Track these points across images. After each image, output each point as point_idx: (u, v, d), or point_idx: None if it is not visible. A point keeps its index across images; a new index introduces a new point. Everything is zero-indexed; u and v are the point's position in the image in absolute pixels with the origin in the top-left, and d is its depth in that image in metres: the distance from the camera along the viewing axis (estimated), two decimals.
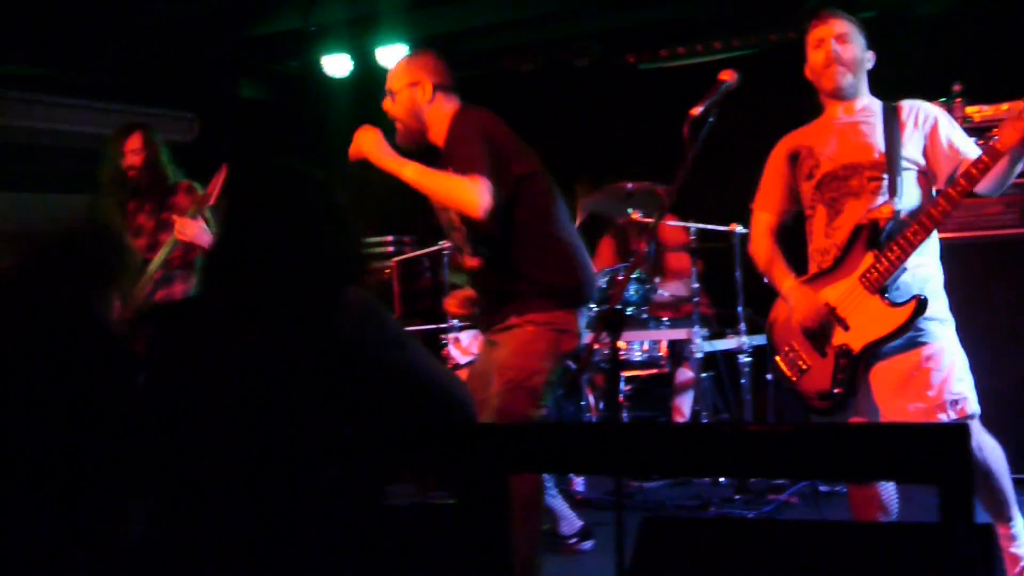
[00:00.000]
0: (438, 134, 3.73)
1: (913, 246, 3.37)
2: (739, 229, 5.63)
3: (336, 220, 2.27)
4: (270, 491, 2.05)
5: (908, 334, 3.37)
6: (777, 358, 3.67)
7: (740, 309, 5.64)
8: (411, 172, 3.55)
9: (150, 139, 4.85)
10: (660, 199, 5.41)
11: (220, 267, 2.23)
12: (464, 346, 5.73)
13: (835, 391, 3.46)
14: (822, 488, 5.28)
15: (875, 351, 3.39)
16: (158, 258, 4.65)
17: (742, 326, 5.62)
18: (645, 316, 5.63)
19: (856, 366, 3.42)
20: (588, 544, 4.50)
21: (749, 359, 5.59)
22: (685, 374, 5.82)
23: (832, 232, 3.56)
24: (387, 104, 3.79)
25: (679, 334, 5.61)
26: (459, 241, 3.80)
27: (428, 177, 3.55)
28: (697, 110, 3.20)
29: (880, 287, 3.38)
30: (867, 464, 2.10)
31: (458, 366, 5.59)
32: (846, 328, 3.45)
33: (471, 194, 3.46)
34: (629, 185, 5.75)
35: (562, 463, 3.04)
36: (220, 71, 7.64)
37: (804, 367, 3.56)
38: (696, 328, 5.57)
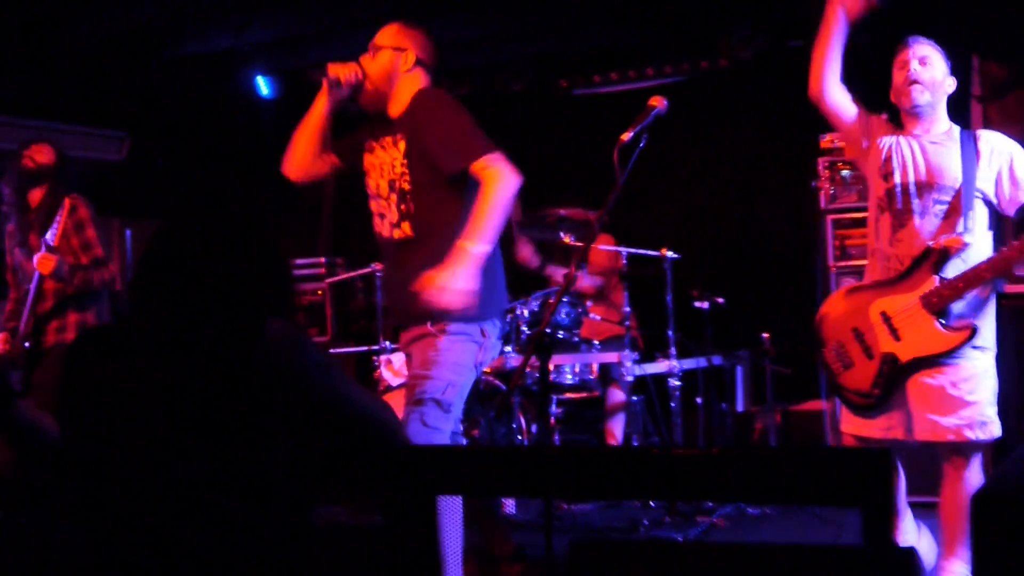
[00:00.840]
0: (399, 103, 3.69)
1: (980, 282, 3.55)
2: (669, 254, 5.68)
3: (261, 252, 2.25)
4: (197, 514, 2.03)
5: (955, 355, 3.57)
6: (824, 351, 3.87)
7: (670, 333, 5.67)
8: (483, 244, 3.37)
9: (60, 155, 4.84)
10: (591, 224, 5.43)
11: (143, 296, 2.21)
12: (396, 368, 5.71)
13: (874, 391, 3.67)
14: (750, 511, 5.33)
15: (920, 365, 3.59)
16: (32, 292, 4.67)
17: (672, 350, 5.65)
18: (576, 340, 5.65)
19: (898, 375, 3.62)
20: (518, 565, 4.49)
21: (679, 383, 5.62)
22: (617, 396, 5.85)
23: (896, 244, 3.71)
24: (365, 59, 3.72)
25: (610, 357, 5.63)
26: (384, 209, 3.68)
27: (492, 223, 3.40)
28: (627, 135, 3.22)
29: (938, 310, 3.55)
30: (793, 487, 2.12)
31: (389, 388, 5.56)
32: (897, 339, 3.63)
33: (506, 180, 3.43)
34: (562, 211, 5.79)
35: (493, 485, 3.04)
36: (151, 90, 7.56)
37: (849, 364, 3.76)
38: (627, 351, 5.60)
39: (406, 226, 3.59)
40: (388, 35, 3.74)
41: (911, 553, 2.06)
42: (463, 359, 3.52)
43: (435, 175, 3.53)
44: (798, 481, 2.04)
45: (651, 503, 5.46)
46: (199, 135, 8.01)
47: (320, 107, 3.79)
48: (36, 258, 4.61)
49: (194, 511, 2.03)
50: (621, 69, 7.09)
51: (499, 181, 3.42)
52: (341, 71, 3.71)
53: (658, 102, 3.29)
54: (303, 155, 3.87)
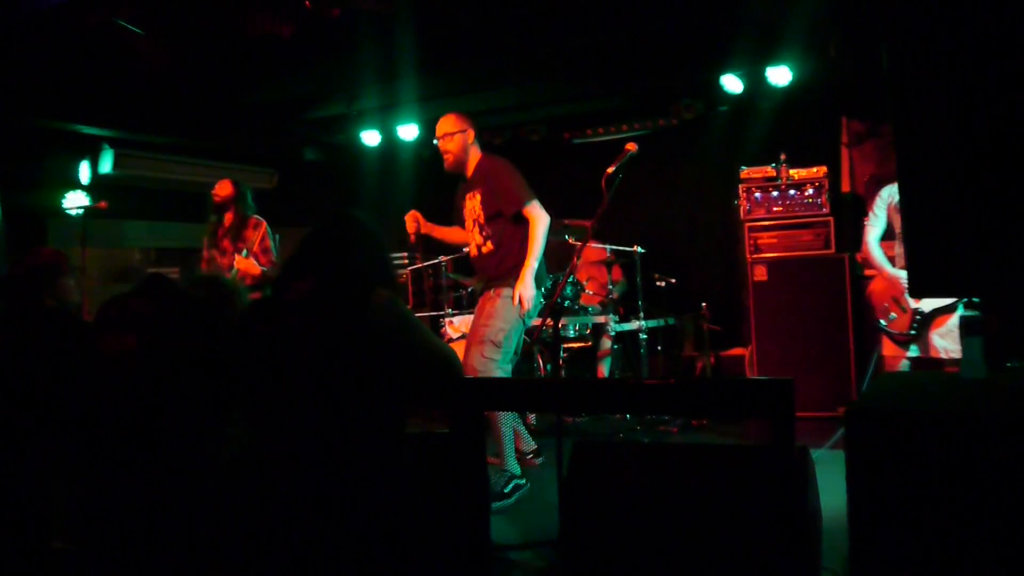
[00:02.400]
0: (470, 166, 3.93)
1: None
2: (639, 249, 5.65)
3: (371, 245, 2.26)
4: (333, 426, 2.02)
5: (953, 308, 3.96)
6: (876, 311, 4.22)
7: (640, 302, 5.65)
8: (535, 261, 3.74)
9: (237, 187, 4.80)
10: (587, 229, 5.40)
11: (293, 273, 2.21)
12: (456, 326, 5.69)
13: (911, 332, 4.07)
14: (694, 424, 5.31)
15: (935, 314, 4.00)
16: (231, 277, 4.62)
17: (641, 314, 5.62)
18: (577, 307, 5.63)
19: (924, 321, 4.03)
20: (539, 459, 4.49)
21: (645, 336, 5.59)
22: (604, 345, 5.83)
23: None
24: (443, 144, 3.91)
25: (600, 319, 5.61)
26: (471, 239, 3.96)
27: (539, 249, 3.76)
28: (611, 169, 3.20)
29: None
30: (725, 406, 2.11)
31: (451, 340, 5.56)
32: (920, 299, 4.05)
33: (542, 222, 3.78)
34: (566, 221, 5.78)
35: (521, 404, 3.04)
36: (292, 140, 7.56)
37: (892, 316, 4.13)
38: (611, 315, 5.58)
39: (489, 244, 3.87)
40: (452, 123, 3.92)
41: (804, 450, 2.03)
42: (511, 314, 3.73)
43: (499, 214, 3.83)
44: (728, 401, 2.02)
45: (627, 416, 5.46)
46: (323, 172, 8.03)
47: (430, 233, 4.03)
48: (237, 258, 4.57)
49: (327, 427, 2.02)
50: (606, 125, 7.06)
51: (539, 222, 3.78)
52: (411, 227, 3.95)
53: (632, 147, 3.26)
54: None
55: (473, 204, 3.92)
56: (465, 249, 4.13)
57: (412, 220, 3.96)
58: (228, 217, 4.76)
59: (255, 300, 2.31)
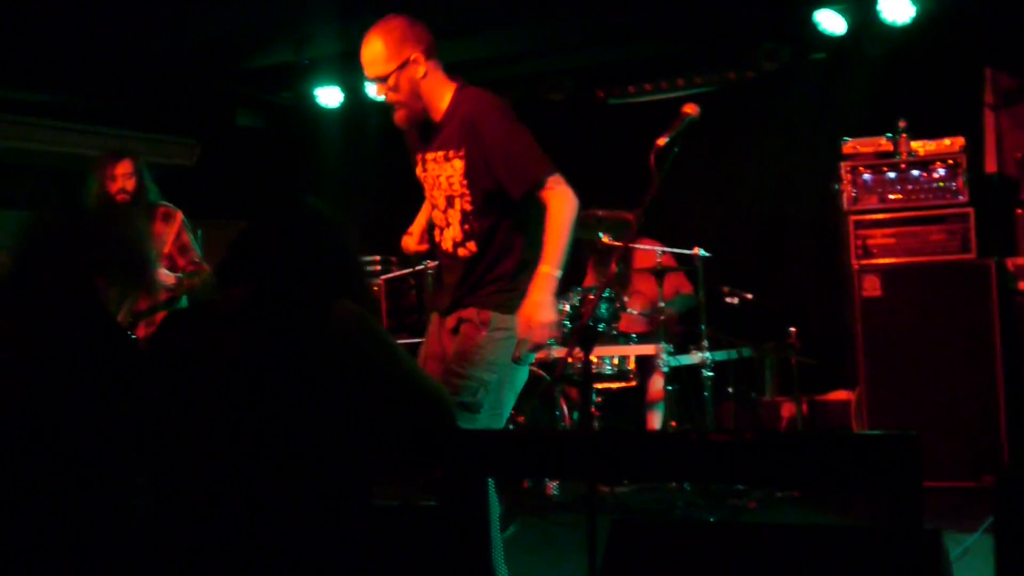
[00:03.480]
0: (438, 109, 3.34)
1: None
2: (701, 252, 5.65)
3: (329, 241, 2.29)
4: (263, 486, 2.04)
5: None
6: None
7: (703, 327, 5.66)
8: (559, 268, 3.18)
9: (138, 165, 4.80)
10: (629, 223, 5.41)
11: (227, 279, 2.25)
12: None
13: None
14: (778, 494, 5.30)
15: None
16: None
17: (704, 342, 5.63)
18: (615, 333, 5.64)
19: None
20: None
21: (711, 373, 5.60)
22: (655, 386, 5.82)
23: None
24: (380, 91, 3.33)
25: (647, 349, 5.62)
26: (442, 222, 3.42)
27: (564, 246, 3.19)
28: (663, 140, 3.20)
29: None
30: (820, 472, 2.10)
31: None
32: None
33: (570, 203, 3.23)
34: (600, 212, 5.79)
35: (541, 467, 3.03)
36: (219, 100, 7.62)
37: None
38: (662, 344, 5.58)
39: (471, 245, 3.32)
40: (382, 58, 3.26)
41: (937, 535, 2.04)
42: (503, 356, 3.23)
43: (497, 195, 3.26)
44: (825, 466, 2.02)
45: (685, 486, 5.45)
46: (264, 143, 8.08)
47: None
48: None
49: (263, 479, 2.04)
50: (654, 79, 7.08)
51: (565, 205, 3.21)
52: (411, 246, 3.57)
53: (692, 109, 3.26)
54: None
55: (446, 173, 3.34)
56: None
57: (408, 240, 3.55)
58: (126, 202, 4.79)
59: (175, 312, 2.35)
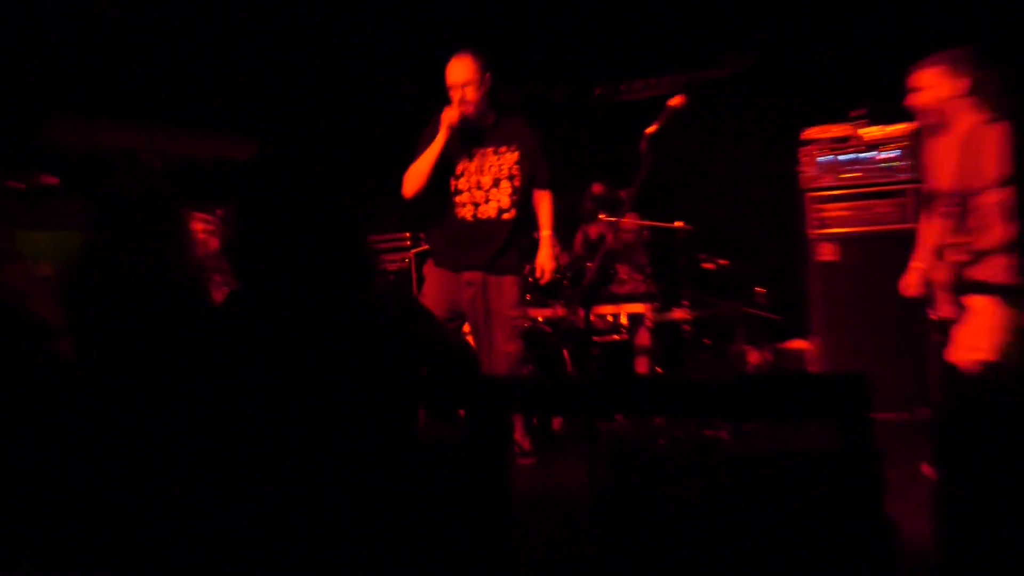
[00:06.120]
0: (488, 118, 4.15)
1: None
2: (683, 225, 5.66)
3: (352, 235, 2.15)
4: (329, 440, 2.03)
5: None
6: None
7: (684, 289, 5.67)
8: (553, 236, 4.35)
9: None
10: (623, 201, 5.42)
11: (250, 268, 2.14)
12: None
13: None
14: (745, 428, 5.31)
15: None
16: None
17: (685, 301, 5.64)
18: (609, 295, 5.65)
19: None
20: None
21: (691, 328, 5.61)
22: (643, 339, 5.84)
23: None
24: (469, 90, 4.03)
25: (637, 308, 5.64)
26: (481, 199, 4.16)
27: (553, 225, 4.32)
28: (652, 129, 3.19)
29: None
30: (786, 407, 2.12)
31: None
32: None
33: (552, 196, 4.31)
34: (597, 191, 5.80)
35: (548, 407, 3.06)
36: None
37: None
38: (650, 303, 5.60)
39: (515, 211, 4.14)
40: (472, 69, 4.03)
41: (877, 455, 2.05)
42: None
43: (533, 181, 4.23)
44: (790, 402, 2.03)
45: (669, 422, 5.46)
46: None
47: (440, 143, 3.93)
48: None
49: (326, 437, 2.03)
50: (644, 79, 7.07)
51: (551, 196, 4.27)
52: (454, 115, 4.02)
53: (678, 101, 3.25)
54: (423, 180, 4.06)
55: (502, 161, 4.13)
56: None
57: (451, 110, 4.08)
58: None
59: (235, 293, 2.23)
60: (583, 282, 3.46)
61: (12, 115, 5.42)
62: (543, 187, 4.26)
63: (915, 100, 3.50)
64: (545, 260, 4.24)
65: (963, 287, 3.32)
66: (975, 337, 3.13)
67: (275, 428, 2.03)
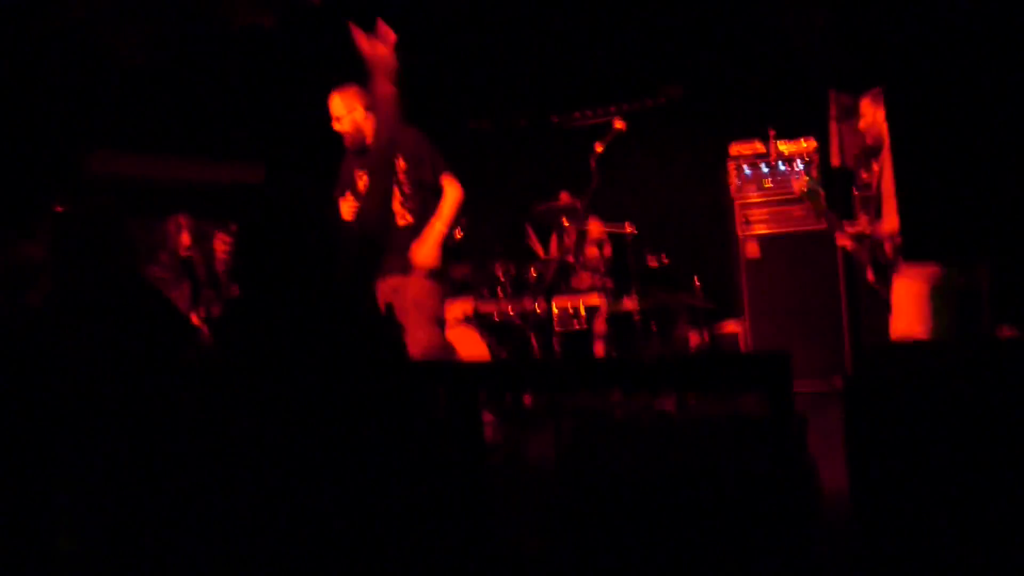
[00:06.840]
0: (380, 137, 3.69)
1: None
2: (631, 229, 5.65)
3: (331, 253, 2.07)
4: (331, 429, 1.92)
5: None
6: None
7: (633, 282, 5.65)
8: (441, 228, 3.60)
9: None
10: (578, 209, 5.40)
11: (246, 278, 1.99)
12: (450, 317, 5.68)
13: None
14: (691, 401, 5.31)
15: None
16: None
17: (635, 296, 5.63)
18: (570, 289, 5.62)
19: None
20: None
21: (639, 316, 5.60)
22: (599, 326, 5.82)
23: None
24: (343, 124, 3.67)
25: (594, 300, 5.61)
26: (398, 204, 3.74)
27: (448, 221, 3.62)
28: (600, 147, 3.19)
29: None
30: (723, 381, 2.11)
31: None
32: None
33: (456, 193, 3.62)
34: (558, 201, 5.76)
35: (519, 385, 3.04)
36: None
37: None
38: (604, 296, 5.58)
39: (409, 216, 3.67)
40: (339, 105, 3.66)
41: (804, 420, 2.04)
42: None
43: (422, 183, 3.68)
44: (724, 376, 2.03)
45: (621, 398, 5.45)
46: None
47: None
48: None
49: (322, 436, 1.90)
50: (593, 107, 7.06)
51: (455, 192, 3.61)
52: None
53: (620, 124, 3.26)
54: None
55: None
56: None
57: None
58: None
59: (235, 301, 2.10)
60: (546, 277, 3.41)
61: (54, 147, 5.33)
62: (435, 184, 3.70)
63: (859, 124, 3.57)
64: (424, 253, 3.61)
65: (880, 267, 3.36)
66: (903, 316, 3.13)
67: (268, 427, 1.96)
